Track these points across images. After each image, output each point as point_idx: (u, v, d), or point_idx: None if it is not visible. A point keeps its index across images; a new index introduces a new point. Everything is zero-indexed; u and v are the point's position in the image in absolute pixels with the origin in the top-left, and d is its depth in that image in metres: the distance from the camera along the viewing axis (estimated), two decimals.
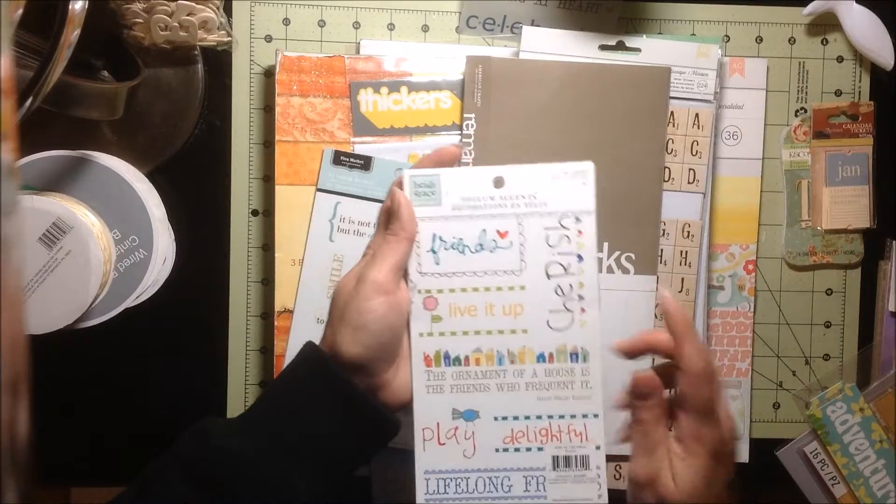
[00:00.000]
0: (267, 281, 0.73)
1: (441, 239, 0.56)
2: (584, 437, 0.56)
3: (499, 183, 0.55)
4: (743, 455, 0.75)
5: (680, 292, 0.71)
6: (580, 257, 0.56)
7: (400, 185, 0.55)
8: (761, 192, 0.75)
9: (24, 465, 0.34)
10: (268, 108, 0.72)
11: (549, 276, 0.56)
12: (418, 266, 0.56)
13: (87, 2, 0.54)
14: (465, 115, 0.69)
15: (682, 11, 0.74)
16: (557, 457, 0.56)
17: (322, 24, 0.72)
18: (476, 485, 0.56)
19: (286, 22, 0.72)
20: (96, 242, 0.62)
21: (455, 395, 0.56)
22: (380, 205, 0.65)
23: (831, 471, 0.74)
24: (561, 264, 0.56)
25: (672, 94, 0.71)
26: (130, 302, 0.67)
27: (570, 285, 0.56)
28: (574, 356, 0.56)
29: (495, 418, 0.56)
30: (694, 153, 0.71)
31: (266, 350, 0.73)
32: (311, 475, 0.52)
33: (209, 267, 0.73)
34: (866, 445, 0.74)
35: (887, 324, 0.76)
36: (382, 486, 0.71)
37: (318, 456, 0.53)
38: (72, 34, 0.53)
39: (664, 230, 0.71)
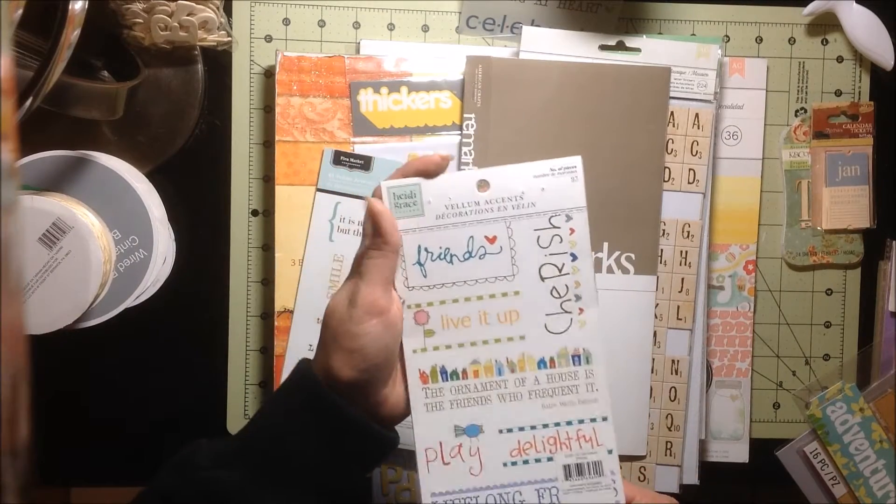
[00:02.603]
0: (267, 281, 0.73)
1: (427, 250, 0.53)
2: (595, 442, 0.53)
3: (483, 186, 0.53)
4: (743, 455, 0.75)
5: (680, 292, 0.71)
6: (574, 256, 0.54)
7: (379, 196, 0.53)
8: (761, 192, 0.75)
9: (24, 465, 0.34)
10: (268, 108, 0.72)
11: (543, 279, 0.54)
12: (405, 280, 0.53)
13: (87, 2, 0.54)
14: (465, 115, 0.69)
15: (682, 11, 0.74)
16: (569, 465, 0.53)
17: (322, 24, 0.72)
18: (486, 503, 0.53)
19: (286, 22, 0.72)
20: (96, 242, 0.62)
21: (455, 410, 0.53)
22: None
23: (831, 471, 0.74)
24: (554, 265, 0.54)
25: (672, 94, 0.71)
26: (130, 302, 0.67)
27: (566, 286, 0.54)
28: (576, 359, 0.54)
29: (500, 431, 0.53)
30: (694, 153, 0.71)
31: (266, 350, 0.73)
32: None
33: (209, 267, 0.73)
34: (866, 445, 0.74)
35: (887, 324, 0.76)
36: (384, 487, 0.71)
37: (310, 484, 0.51)
38: (72, 34, 0.53)
39: (664, 230, 0.71)
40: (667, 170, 0.71)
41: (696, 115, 0.71)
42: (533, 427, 0.54)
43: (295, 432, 0.51)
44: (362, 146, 0.70)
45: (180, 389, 0.73)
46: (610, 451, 0.53)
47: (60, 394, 0.72)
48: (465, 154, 0.69)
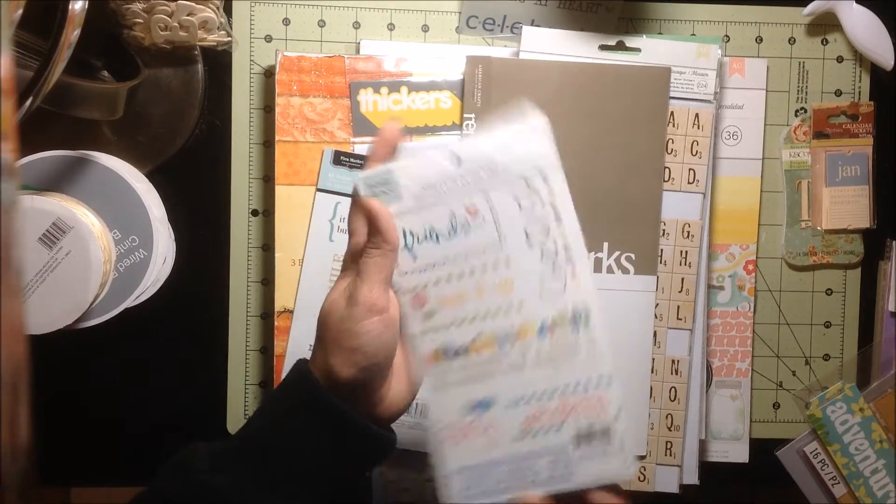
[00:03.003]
0: (267, 281, 0.73)
1: (412, 233, 0.53)
2: (602, 405, 0.53)
3: (455, 161, 0.53)
4: (743, 455, 0.75)
5: (680, 292, 0.71)
6: (556, 215, 0.53)
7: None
8: (761, 192, 0.75)
9: (24, 465, 0.34)
10: (268, 108, 0.72)
11: (530, 243, 0.53)
12: (397, 268, 0.53)
13: (87, 2, 0.54)
14: (465, 115, 0.69)
15: (682, 11, 0.74)
16: (579, 432, 0.53)
17: (322, 24, 0.72)
18: (502, 476, 0.53)
19: (286, 22, 0.72)
20: (96, 242, 0.62)
21: (464, 387, 0.54)
22: None
23: (831, 471, 0.74)
24: (539, 228, 0.53)
25: (672, 94, 0.71)
26: (130, 302, 0.67)
27: (554, 247, 0.53)
28: (575, 320, 0.53)
29: (510, 404, 0.53)
30: (694, 153, 0.71)
31: (266, 350, 0.73)
32: None
33: (209, 267, 0.73)
34: (866, 445, 0.74)
35: (887, 324, 0.76)
36: (384, 487, 0.71)
37: (310, 486, 0.51)
38: (72, 34, 0.53)
39: (664, 230, 0.71)
40: (667, 170, 0.71)
41: (696, 115, 0.71)
42: (540, 396, 0.53)
43: (293, 434, 0.51)
44: (362, 146, 0.70)
45: (180, 389, 0.73)
46: (617, 414, 0.53)
47: (60, 394, 0.72)
48: None
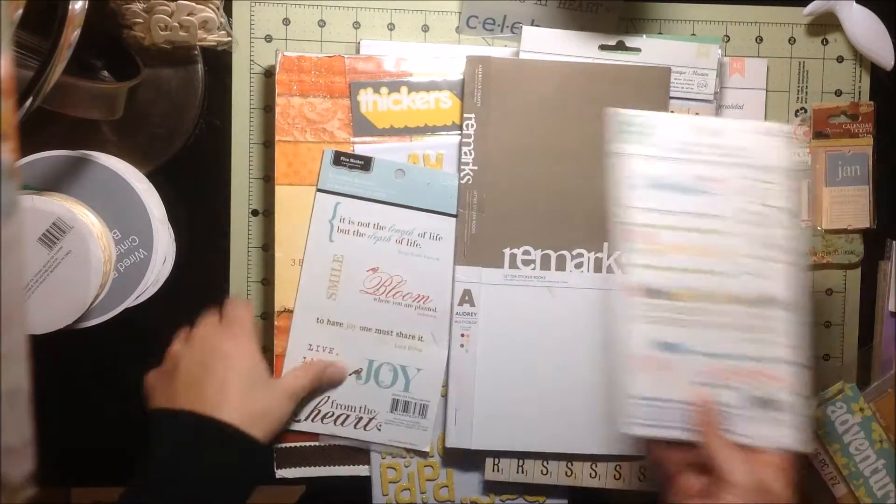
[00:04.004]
0: (267, 281, 0.73)
1: (658, 177, 0.60)
2: (784, 383, 0.58)
3: (714, 133, 0.60)
4: None
5: None
6: (784, 211, 0.60)
7: None
8: None
9: (23, 465, 0.34)
10: (268, 108, 0.72)
11: (754, 226, 0.59)
12: (628, 200, 0.60)
13: (87, 2, 0.54)
14: (465, 115, 0.69)
15: (682, 11, 0.74)
16: (754, 396, 0.58)
17: (322, 24, 0.72)
18: (671, 414, 0.59)
19: (286, 22, 0.72)
20: (96, 242, 0.62)
21: (657, 326, 0.59)
22: (380, 205, 0.66)
23: (831, 471, 0.74)
24: (766, 216, 0.60)
25: (672, 94, 0.71)
26: (130, 302, 0.67)
27: (775, 237, 0.59)
28: (777, 304, 0.59)
29: (697, 353, 0.59)
30: None
31: (266, 350, 0.73)
32: None
33: (209, 267, 0.73)
34: (866, 445, 0.74)
35: (887, 324, 0.76)
36: (383, 487, 0.71)
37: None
38: (72, 34, 0.53)
39: None
40: None
41: (696, 114, 0.71)
42: (727, 356, 0.59)
43: (172, 457, 0.58)
44: (362, 146, 0.70)
45: None
46: (799, 396, 0.58)
47: (60, 394, 0.72)
48: (465, 154, 0.69)
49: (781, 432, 0.58)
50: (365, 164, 0.69)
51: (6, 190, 0.33)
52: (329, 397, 0.68)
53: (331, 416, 0.68)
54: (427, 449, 0.70)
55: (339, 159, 0.69)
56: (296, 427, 0.68)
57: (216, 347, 0.62)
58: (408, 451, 0.70)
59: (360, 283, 0.69)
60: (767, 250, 0.59)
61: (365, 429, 0.68)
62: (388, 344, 0.69)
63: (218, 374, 0.60)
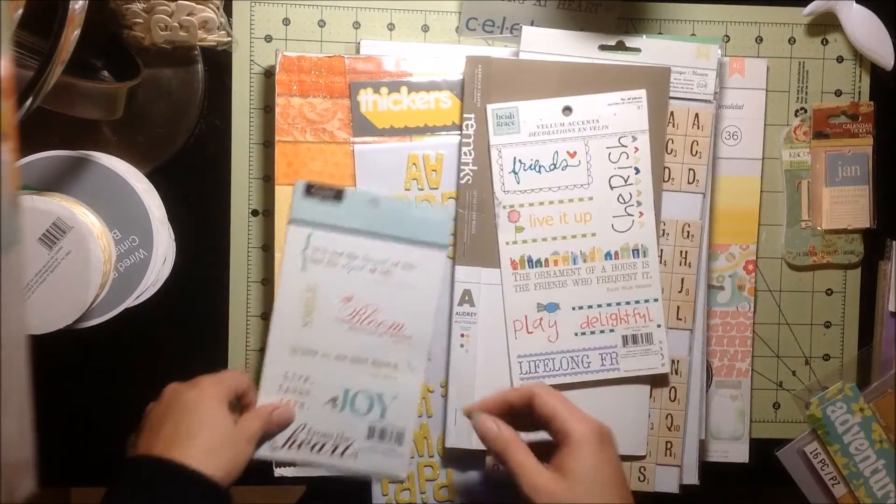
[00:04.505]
0: (267, 281, 0.73)
1: (520, 161, 0.67)
2: (647, 318, 0.68)
3: (567, 111, 0.67)
4: (743, 455, 0.75)
5: (680, 292, 0.71)
6: (637, 170, 0.68)
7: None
8: (761, 192, 0.75)
9: (23, 465, 0.34)
10: (268, 108, 0.72)
11: (612, 188, 0.67)
12: (502, 185, 0.67)
13: (87, 2, 0.54)
14: (465, 115, 0.69)
15: (682, 11, 0.74)
16: (626, 336, 0.68)
17: (322, 24, 0.72)
18: (560, 363, 0.68)
19: (286, 22, 0.72)
20: (96, 242, 0.62)
21: (539, 291, 0.67)
22: (353, 236, 0.67)
23: (831, 471, 0.74)
24: (621, 177, 0.67)
25: (672, 94, 0.71)
26: (130, 302, 0.67)
27: (630, 194, 0.67)
28: (635, 252, 0.68)
29: (573, 308, 0.68)
30: (694, 153, 0.71)
31: (265, 350, 0.73)
32: None
33: (209, 267, 0.73)
34: (866, 445, 0.74)
35: (887, 324, 0.76)
36: (383, 487, 0.71)
37: None
38: (72, 34, 0.53)
39: (664, 230, 0.71)
40: (667, 170, 0.71)
41: (696, 115, 0.71)
42: (599, 305, 0.68)
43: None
44: (362, 146, 0.70)
45: None
46: (659, 326, 0.68)
47: (60, 394, 0.72)
48: (465, 154, 0.69)
49: (651, 360, 0.68)
50: (337, 194, 0.68)
51: (6, 190, 0.33)
52: (305, 425, 0.67)
53: (307, 444, 0.67)
54: (404, 476, 0.69)
55: (310, 190, 0.68)
56: (272, 455, 0.67)
57: (179, 397, 0.62)
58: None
59: (335, 312, 0.68)
60: (623, 206, 0.67)
61: (342, 456, 0.68)
62: (364, 372, 0.68)
63: (176, 419, 0.61)
